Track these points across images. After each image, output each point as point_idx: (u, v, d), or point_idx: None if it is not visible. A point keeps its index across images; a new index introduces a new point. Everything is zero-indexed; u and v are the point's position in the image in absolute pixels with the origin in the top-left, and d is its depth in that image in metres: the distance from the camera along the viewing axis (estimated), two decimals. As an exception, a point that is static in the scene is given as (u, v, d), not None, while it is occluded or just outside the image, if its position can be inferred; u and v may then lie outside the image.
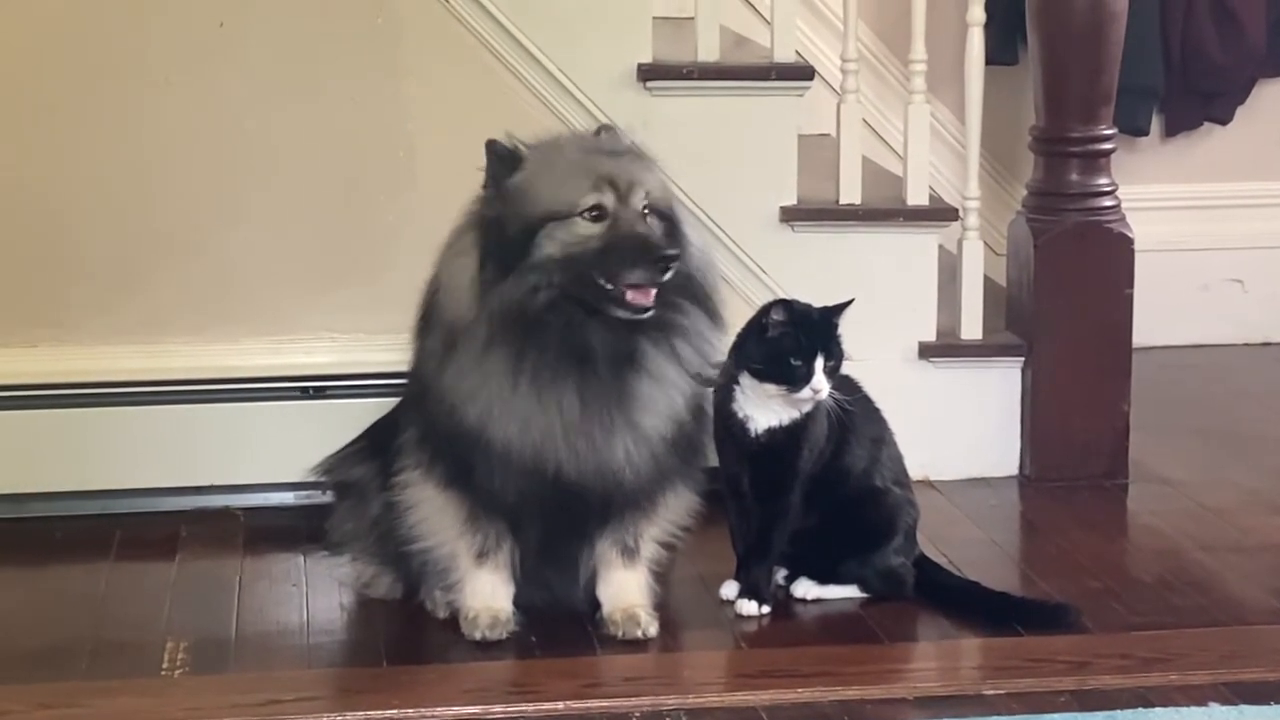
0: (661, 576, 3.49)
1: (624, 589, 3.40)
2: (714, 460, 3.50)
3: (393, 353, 3.57)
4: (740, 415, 3.44)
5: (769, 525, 3.47)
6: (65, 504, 3.98)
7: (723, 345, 3.41)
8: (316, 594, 3.61)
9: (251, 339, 4.05)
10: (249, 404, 4.01)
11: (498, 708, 3.11)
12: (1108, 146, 4.26)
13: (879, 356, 4.05)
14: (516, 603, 3.40)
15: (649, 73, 4.05)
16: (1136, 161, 5.26)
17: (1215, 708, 3.10)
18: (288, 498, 4.03)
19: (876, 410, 3.58)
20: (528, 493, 3.30)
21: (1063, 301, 4.23)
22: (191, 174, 4.01)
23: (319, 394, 4.02)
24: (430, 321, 3.32)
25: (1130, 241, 4.26)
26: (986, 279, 4.31)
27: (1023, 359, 4.25)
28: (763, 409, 3.42)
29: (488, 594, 3.38)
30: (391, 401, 3.57)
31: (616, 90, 4.03)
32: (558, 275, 3.19)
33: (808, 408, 3.41)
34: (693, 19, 4.18)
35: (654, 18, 4.12)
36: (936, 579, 3.56)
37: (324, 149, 4.02)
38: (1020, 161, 4.88)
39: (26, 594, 3.68)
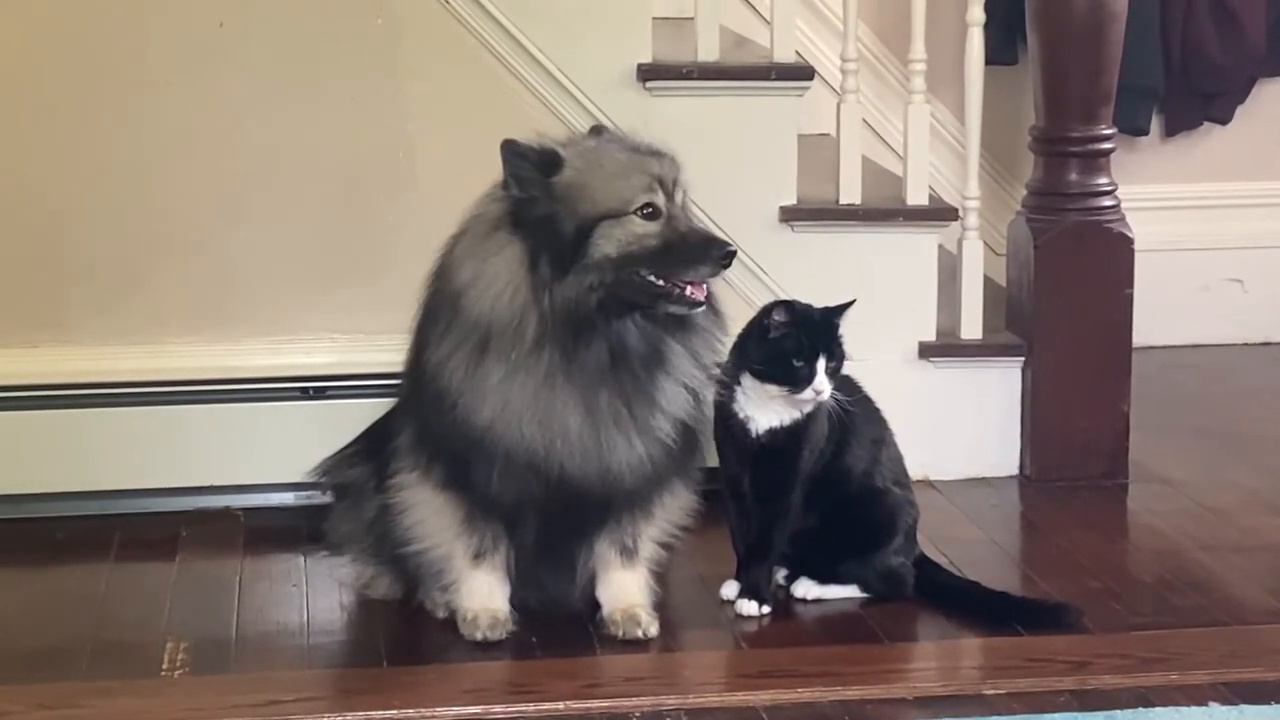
0: (661, 577, 3.49)
1: (624, 589, 3.40)
2: (713, 460, 3.50)
3: (393, 353, 3.56)
4: (741, 416, 3.44)
5: (769, 525, 3.47)
6: (65, 504, 3.98)
7: (725, 344, 3.41)
8: (317, 594, 3.61)
9: (252, 339, 4.05)
10: (249, 404, 4.01)
11: (498, 708, 3.11)
12: (1107, 146, 4.26)
13: (879, 356, 4.05)
14: (511, 603, 3.40)
15: (649, 73, 4.05)
16: (1136, 161, 5.26)
17: (1215, 707, 3.10)
18: (288, 498, 4.03)
19: (877, 410, 3.58)
20: (527, 494, 3.30)
21: (1063, 301, 4.23)
22: (191, 174, 4.01)
23: (319, 394, 4.02)
24: (447, 324, 3.28)
25: (1130, 241, 4.26)
26: (986, 279, 4.31)
27: (1023, 359, 4.25)
28: (763, 409, 3.42)
29: (485, 595, 3.38)
30: (392, 402, 3.57)
31: (616, 90, 4.04)
32: (610, 274, 3.20)
33: (809, 408, 3.41)
34: (692, 19, 4.18)
35: (654, 18, 4.12)
36: (937, 579, 3.57)
37: (324, 149, 4.02)
38: (1020, 161, 4.88)
39: (27, 594, 3.68)
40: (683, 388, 3.31)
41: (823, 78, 4.77)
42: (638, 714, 3.10)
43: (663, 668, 3.28)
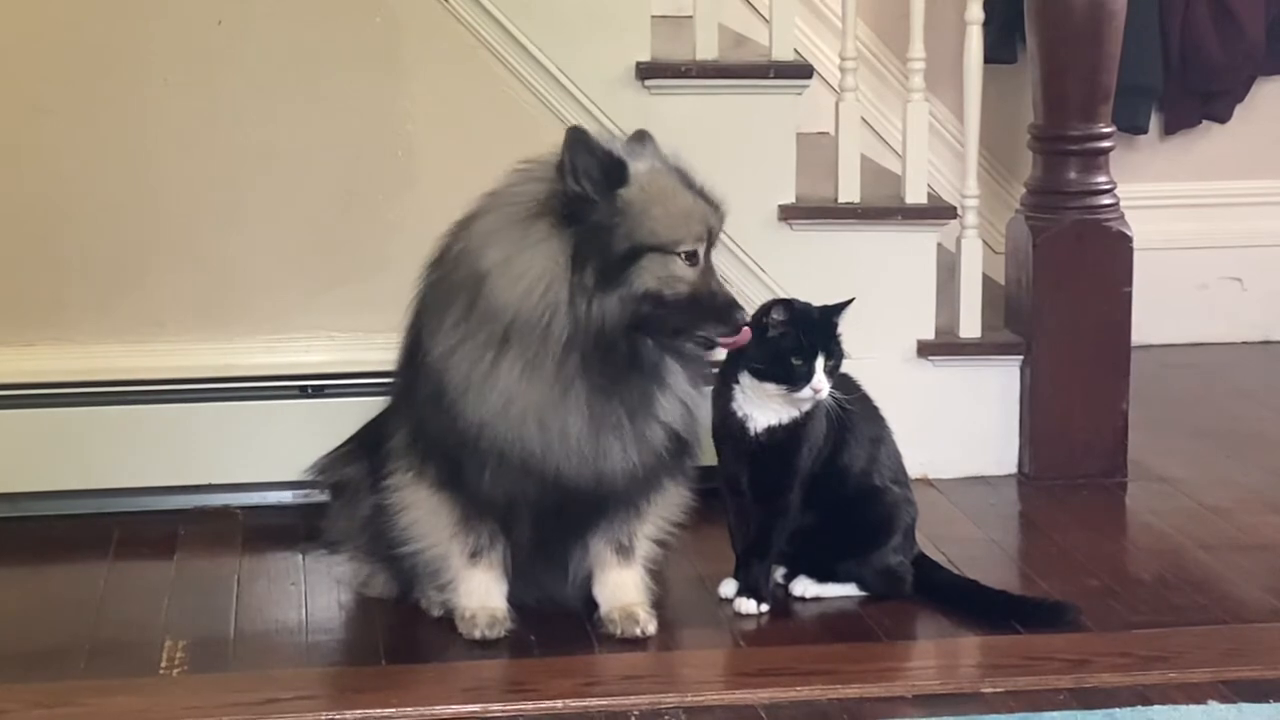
0: (659, 575, 3.49)
1: (621, 587, 3.40)
2: (711, 458, 3.50)
3: (391, 352, 3.56)
4: (740, 414, 3.44)
5: (768, 524, 3.47)
6: (63, 503, 3.98)
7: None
8: (315, 593, 3.61)
9: (250, 338, 4.05)
10: (247, 403, 4.01)
11: (496, 706, 3.11)
12: (1106, 145, 4.26)
13: (878, 355, 4.05)
14: (513, 601, 3.39)
15: (648, 71, 4.05)
16: (1135, 160, 5.27)
17: (1214, 706, 3.10)
18: (286, 496, 4.03)
19: (875, 409, 3.58)
20: (521, 493, 3.29)
21: (1061, 300, 4.23)
22: (189, 173, 4.00)
23: (317, 393, 4.02)
24: (463, 310, 3.21)
25: (1129, 240, 4.26)
26: (985, 277, 4.31)
27: (1021, 357, 4.25)
28: (762, 408, 3.42)
29: (482, 593, 3.37)
30: (389, 400, 3.57)
31: (615, 89, 4.03)
32: (645, 306, 3.17)
33: (807, 407, 3.41)
34: (691, 17, 4.18)
35: (653, 16, 4.12)
36: (935, 577, 3.56)
37: (322, 148, 4.02)
38: (1019, 160, 4.88)
39: (24, 593, 3.68)
40: (679, 401, 3.31)
41: (821, 76, 4.77)
42: (636, 712, 3.10)
43: (661, 666, 3.28)
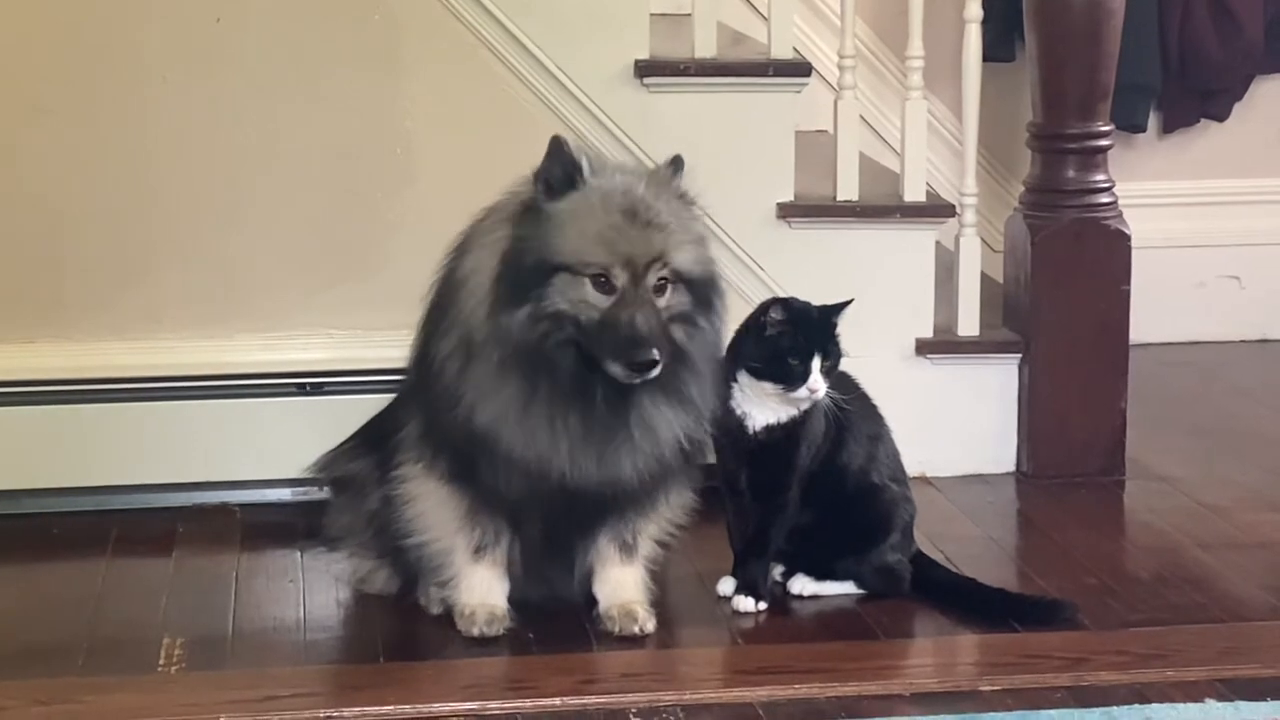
0: (658, 574, 3.49)
1: (621, 585, 3.40)
2: (710, 457, 3.50)
3: (390, 349, 3.57)
4: (738, 413, 3.44)
5: (766, 522, 3.47)
6: (62, 500, 3.98)
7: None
8: (314, 590, 3.61)
9: (248, 335, 4.05)
10: (246, 400, 4.01)
11: (495, 704, 3.11)
12: (1105, 143, 4.26)
13: (876, 353, 4.05)
14: (514, 598, 3.39)
15: (646, 69, 4.05)
16: (1134, 158, 5.27)
17: (1211, 704, 3.10)
18: (285, 494, 4.03)
19: (873, 407, 3.58)
20: (531, 493, 3.29)
21: (1060, 298, 4.23)
22: (188, 170, 4.00)
23: (316, 390, 4.02)
24: (449, 318, 3.24)
25: (1127, 238, 4.26)
26: (984, 276, 4.31)
27: (1020, 355, 4.25)
28: (760, 407, 3.42)
29: (484, 590, 3.37)
30: (389, 398, 3.57)
31: (614, 87, 4.04)
32: (569, 328, 3.14)
33: (805, 406, 3.41)
34: (690, 15, 4.18)
35: (651, 14, 4.12)
36: (933, 576, 3.56)
37: (321, 145, 4.02)
38: (1017, 158, 4.88)
39: (23, 590, 3.68)
40: (685, 405, 3.29)
41: (820, 74, 4.77)
42: (634, 710, 3.10)
43: (659, 664, 3.28)
